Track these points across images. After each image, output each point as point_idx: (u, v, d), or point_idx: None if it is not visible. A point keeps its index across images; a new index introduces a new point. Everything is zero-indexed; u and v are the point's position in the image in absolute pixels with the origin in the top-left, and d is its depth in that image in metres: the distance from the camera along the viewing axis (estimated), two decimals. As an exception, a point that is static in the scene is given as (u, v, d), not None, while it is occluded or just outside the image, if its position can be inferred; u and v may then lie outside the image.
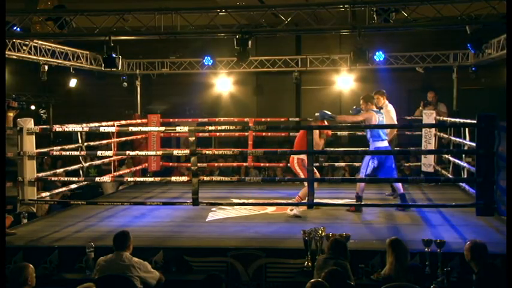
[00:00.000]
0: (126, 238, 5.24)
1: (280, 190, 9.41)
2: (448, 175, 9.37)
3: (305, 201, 7.05)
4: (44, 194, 7.68)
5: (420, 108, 10.45)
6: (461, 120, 8.93)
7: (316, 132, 7.29)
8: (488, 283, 4.51)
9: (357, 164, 10.57)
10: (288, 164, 10.73)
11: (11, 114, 6.70)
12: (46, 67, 9.81)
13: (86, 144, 8.43)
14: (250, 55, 8.08)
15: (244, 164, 10.67)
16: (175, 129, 8.79)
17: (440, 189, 9.34)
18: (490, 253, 4.87)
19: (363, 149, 8.04)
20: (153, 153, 10.02)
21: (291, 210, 7.24)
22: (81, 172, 8.42)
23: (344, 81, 13.10)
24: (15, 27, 8.18)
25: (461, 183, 9.07)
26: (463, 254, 5.16)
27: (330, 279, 4.22)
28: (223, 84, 13.79)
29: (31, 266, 4.48)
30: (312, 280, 4.23)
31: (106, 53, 8.09)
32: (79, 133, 8.24)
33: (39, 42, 9.34)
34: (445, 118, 9.93)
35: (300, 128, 9.19)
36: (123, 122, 10.03)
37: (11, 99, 6.68)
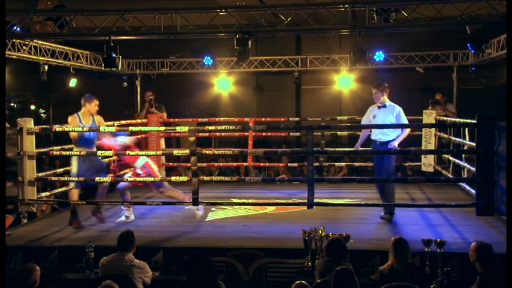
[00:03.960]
0: (131, 240, 5.26)
1: (280, 190, 9.41)
2: (448, 175, 9.38)
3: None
4: (44, 195, 7.69)
5: (429, 107, 10.38)
6: (461, 120, 8.93)
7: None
8: (493, 284, 4.52)
9: (356, 164, 10.61)
10: (288, 164, 10.82)
11: None
12: (46, 67, 9.80)
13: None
14: (250, 55, 8.08)
15: (244, 163, 10.67)
16: (175, 129, 8.78)
17: (440, 189, 9.34)
18: (490, 253, 4.88)
19: (363, 149, 8.03)
20: (153, 152, 10.00)
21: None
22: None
23: (344, 81, 13.11)
24: (15, 27, 8.18)
25: (461, 183, 9.08)
26: (463, 254, 5.18)
27: (339, 280, 4.23)
28: (223, 84, 13.79)
29: (38, 267, 4.49)
30: (297, 282, 4.25)
31: (106, 53, 8.08)
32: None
33: (39, 42, 9.33)
34: (453, 119, 9.86)
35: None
36: (127, 121, 10.03)
37: None
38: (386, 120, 7.09)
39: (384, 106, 7.14)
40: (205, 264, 4.63)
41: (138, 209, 7.79)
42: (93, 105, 7.21)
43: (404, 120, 7.16)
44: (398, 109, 7.12)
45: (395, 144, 7.01)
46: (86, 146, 7.05)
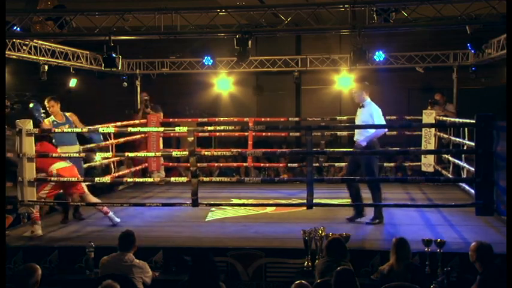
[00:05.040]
0: (131, 240, 5.27)
1: (280, 190, 9.41)
2: (448, 175, 9.38)
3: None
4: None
5: (429, 108, 10.37)
6: (461, 120, 8.93)
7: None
8: (493, 284, 4.52)
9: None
10: (288, 164, 10.82)
11: None
12: (46, 67, 9.80)
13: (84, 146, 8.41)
14: (250, 55, 8.07)
15: (244, 164, 10.66)
16: (174, 130, 8.78)
17: (440, 189, 9.34)
18: (490, 253, 4.87)
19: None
20: (152, 154, 10.01)
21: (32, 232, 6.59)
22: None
23: (344, 81, 13.08)
24: (15, 27, 8.17)
25: (461, 183, 9.07)
26: (463, 254, 5.18)
27: (340, 280, 4.22)
28: (223, 84, 13.78)
29: (39, 267, 4.50)
30: (297, 282, 4.25)
31: (106, 53, 8.08)
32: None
33: (39, 42, 9.32)
34: (452, 119, 9.86)
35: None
36: (123, 123, 10.01)
37: None
38: (361, 121, 7.05)
39: (363, 106, 7.07)
40: (208, 265, 4.63)
41: (137, 209, 7.80)
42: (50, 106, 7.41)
43: (377, 120, 7.01)
44: (373, 109, 7.00)
45: (363, 144, 6.91)
46: (68, 144, 7.30)
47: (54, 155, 6.85)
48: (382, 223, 6.94)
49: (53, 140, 7.45)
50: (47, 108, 7.50)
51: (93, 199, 7.16)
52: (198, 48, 12.36)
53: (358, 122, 7.15)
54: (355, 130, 7.23)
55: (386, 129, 7.18)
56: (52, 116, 7.45)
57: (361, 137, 7.01)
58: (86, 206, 7.43)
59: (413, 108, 11.63)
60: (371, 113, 6.96)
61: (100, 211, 7.16)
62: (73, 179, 6.86)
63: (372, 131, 6.93)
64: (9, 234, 6.57)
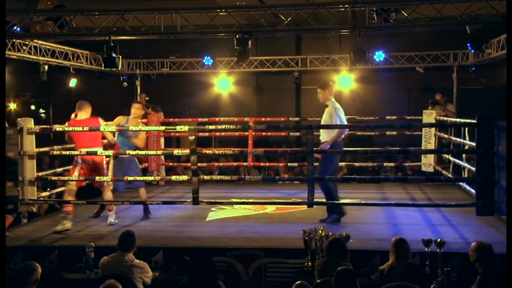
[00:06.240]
0: (131, 240, 5.27)
1: (280, 190, 9.40)
2: (448, 175, 9.38)
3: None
4: (43, 194, 7.69)
5: (429, 108, 10.37)
6: (461, 120, 8.93)
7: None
8: (493, 284, 4.52)
9: (356, 164, 10.61)
10: (288, 164, 10.80)
11: None
12: (46, 67, 9.80)
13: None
14: (250, 55, 8.06)
15: (245, 163, 10.66)
16: (175, 129, 8.77)
17: (440, 189, 9.35)
18: (490, 253, 4.87)
19: (363, 148, 8.04)
20: (153, 152, 9.99)
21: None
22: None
23: (344, 81, 13.09)
24: (15, 27, 8.17)
25: (461, 183, 9.07)
26: (463, 254, 5.18)
27: (340, 280, 4.23)
28: (223, 84, 13.79)
29: (39, 266, 4.50)
30: (297, 282, 4.25)
31: (106, 53, 8.07)
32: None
33: (39, 42, 9.33)
34: (453, 119, 9.85)
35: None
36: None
37: None
38: (323, 121, 7.29)
39: (326, 106, 7.30)
40: (207, 265, 4.64)
41: (138, 209, 7.79)
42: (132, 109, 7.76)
43: (335, 119, 7.14)
44: (333, 109, 7.18)
45: (326, 147, 7.03)
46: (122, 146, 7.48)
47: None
48: (339, 221, 6.95)
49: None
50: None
51: (110, 195, 7.24)
52: (198, 48, 12.37)
53: (322, 122, 7.35)
54: (320, 130, 7.36)
55: (347, 130, 7.44)
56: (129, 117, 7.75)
57: (324, 136, 7.15)
58: (87, 204, 7.44)
59: (413, 108, 11.63)
60: (330, 113, 7.18)
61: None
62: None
63: (335, 132, 7.04)
64: (8, 235, 6.56)
